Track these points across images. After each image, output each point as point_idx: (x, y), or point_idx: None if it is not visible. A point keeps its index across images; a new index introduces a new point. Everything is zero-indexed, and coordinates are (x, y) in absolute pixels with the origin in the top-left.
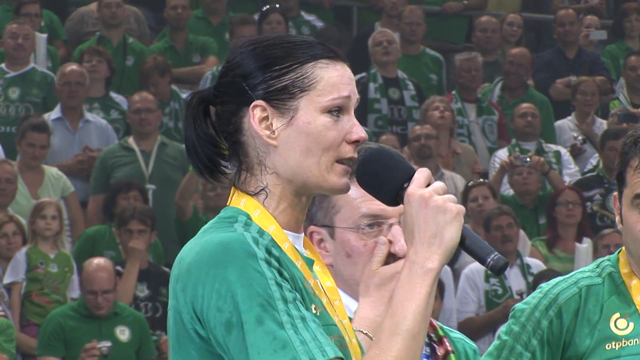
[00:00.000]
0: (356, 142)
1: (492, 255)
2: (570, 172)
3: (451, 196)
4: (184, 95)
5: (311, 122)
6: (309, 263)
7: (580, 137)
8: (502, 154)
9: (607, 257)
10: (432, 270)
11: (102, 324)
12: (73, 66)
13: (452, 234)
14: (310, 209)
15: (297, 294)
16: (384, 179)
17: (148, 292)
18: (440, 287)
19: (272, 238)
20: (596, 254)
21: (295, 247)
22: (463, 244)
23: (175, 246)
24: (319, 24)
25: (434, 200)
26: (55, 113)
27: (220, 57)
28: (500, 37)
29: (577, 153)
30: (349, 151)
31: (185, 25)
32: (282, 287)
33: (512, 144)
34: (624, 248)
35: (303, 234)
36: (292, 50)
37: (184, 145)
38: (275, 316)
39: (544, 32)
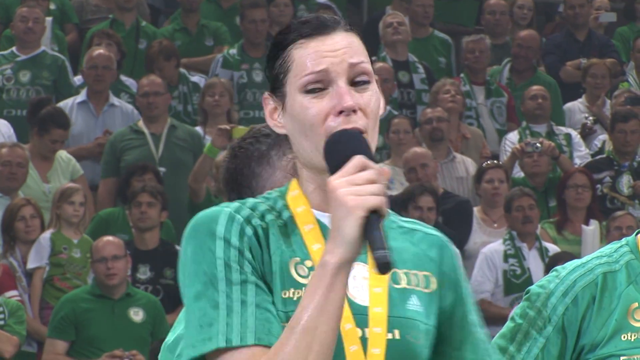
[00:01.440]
0: (342, 113)
1: (381, 252)
2: (581, 155)
3: (367, 187)
4: (193, 79)
5: (293, 105)
6: None
7: (591, 118)
8: (513, 137)
9: (624, 240)
10: (329, 264)
11: (115, 305)
12: (100, 50)
13: (348, 228)
14: (253, 178)
15: (254, 277)
16: (331, 161)
17: (150, 274)
18: None
19: (263, 215)
20: (609, 236)
21: (321, 229)
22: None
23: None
24: (332, 6)
25: (336, 193)
26: (81, 96)
27: (233, 43)
28: (510, 20)
29: (587, 133)
30: (337, 124)
31: (197, 7)
32: (232, 269)
33: (523, 127)
34: None
35: None
36: (279, 37)
37: (194, 128)
38: (214, 295)
39: (554, 14)
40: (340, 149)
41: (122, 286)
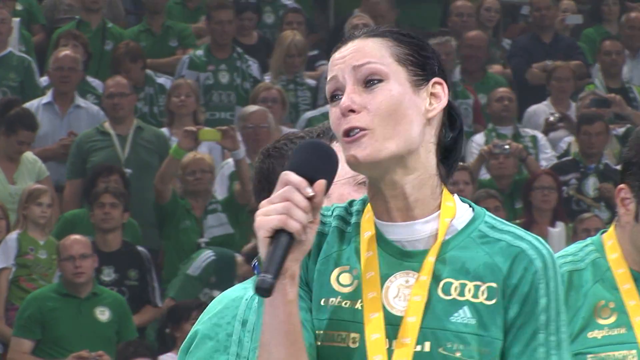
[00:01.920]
0: (344, 113)
1: (264, 275)
2: (547, 157)
3: (275, 206)
4: (159, 80)
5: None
6: (397, 253)
7: (556, 114)
8: (479, 138)
9: (589, 240)
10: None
11: (82, 304)
12: (66, 51)
13: (260, 248)
14: None
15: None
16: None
17: (115, 276)
18: None
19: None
20: (575, 238)
21: (377, 237)
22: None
23: (153, 229)
24: (296, 7)
25: (257, 213)
26: (46, 98)
27: (197, 45)
28: (477, 22)
29: (550, 129)
30: (343, 124)
31: (162, 9)
32: None
33: (489, 129)
34: (611, 232)
35: (417, 221)
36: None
37: (160, 129)
38: None
39: (519, 16)
40: (293, 160)
41: (88, 285)
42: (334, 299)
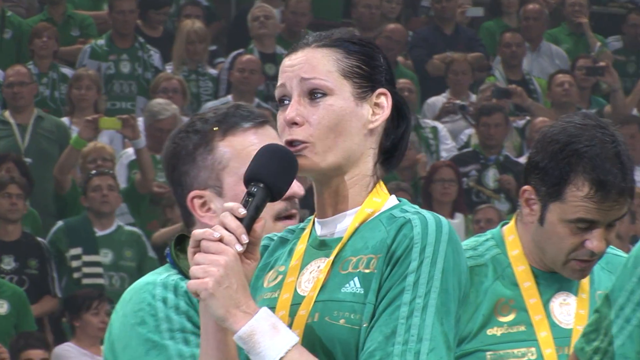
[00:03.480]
0: (288, 124)
1: None
2: (448, 148)
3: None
4: (63, 70)
5: None
6: (318, 244)
7: (458, 101)
8: None
9: (489, 233)
10: None
11: None
12: None
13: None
14: (182, 176)
15: None
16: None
17: (15, 264)
18: None
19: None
20: (473, 228)
21: (310, 233)
22: None
23: (53, 219)
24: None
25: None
26: None
27: (100, 35)
28: (380, 13)
29: (447, 111)
30: (286, 134)
31: None
32: None
33: None
34: (512, 226)
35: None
36: None
37: (60, 119)
38: None
39: (419, 7)
40: (251, 165)
41: None
42: (261, 295)
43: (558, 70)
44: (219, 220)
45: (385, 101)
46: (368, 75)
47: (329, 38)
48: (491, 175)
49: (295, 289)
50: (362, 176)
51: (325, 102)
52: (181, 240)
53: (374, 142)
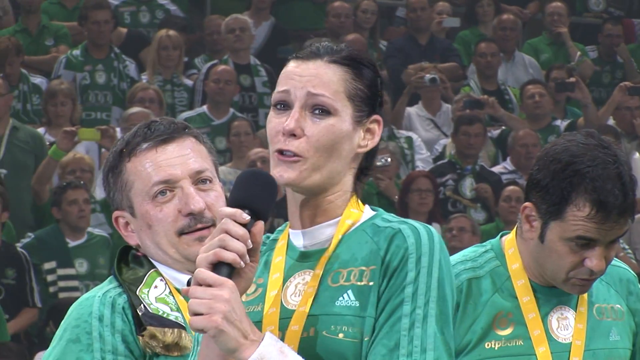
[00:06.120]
0: (286, 134)
1: None
2: (423, 157)
3: (208, 244)
4: (35, 80)
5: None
6: (299, 256)
7: (428, 75)
8: None
9: (488, 244)
10: None
11: None
12: None
13: None
14: (109, 194)
15: None
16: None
17: None
18: None
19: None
20: (444, 237)
21: (288, 245)
22: None
23: (30, 230)
24: (173, 7)
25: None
26: None
27: (75, 44)
28: (354, 23)
29: (417, 86)
30: (280, 142)
31: (38, 8)
32: None
33: None
34: (512, 239)
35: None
36: None
37: (36, 130)
38: None
39: (394, 17)
40: (234, 191)
41: None
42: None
43: (529, 80)
44: (221, 228)
45: (377, 128)
46: (368, 99)
47: (340, 54)
48: (468, 184)
49: (282, 303)
50: (343, 192)
51: (327, 122)
52: (126, 252)
53: (357, 163)
